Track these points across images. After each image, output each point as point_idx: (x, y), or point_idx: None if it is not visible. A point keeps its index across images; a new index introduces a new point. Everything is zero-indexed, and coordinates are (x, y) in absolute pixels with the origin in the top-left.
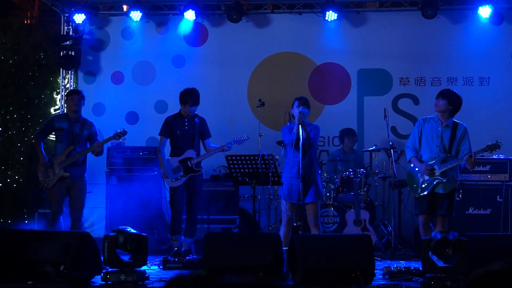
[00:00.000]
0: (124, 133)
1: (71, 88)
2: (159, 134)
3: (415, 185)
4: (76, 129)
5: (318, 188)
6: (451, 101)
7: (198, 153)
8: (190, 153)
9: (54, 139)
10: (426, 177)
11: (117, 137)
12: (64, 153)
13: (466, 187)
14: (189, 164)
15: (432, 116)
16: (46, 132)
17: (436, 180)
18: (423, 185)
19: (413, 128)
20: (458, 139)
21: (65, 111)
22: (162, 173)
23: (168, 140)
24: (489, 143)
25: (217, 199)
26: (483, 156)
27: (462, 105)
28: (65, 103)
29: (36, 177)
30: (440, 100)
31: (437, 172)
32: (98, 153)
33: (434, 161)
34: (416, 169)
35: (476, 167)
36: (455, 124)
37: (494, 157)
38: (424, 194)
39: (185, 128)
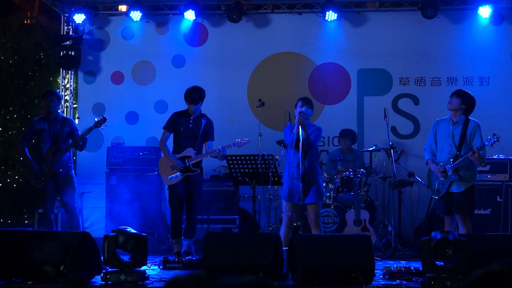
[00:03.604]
0: (104, 119)
1: (71, 88)
2: (163, 128)
3: (433, 187)
4: (57, 128)
5: (319, 188)
6: (464, 100)
7: (198, 153)
8: (189, 151)
9: (38, 141)
10: (441, 178)
11: (98, 125)
12: (50, 152)
13: None
14: (187, 163)
15: (445, 117)
16: (29, 138)
17: (450, 180)
18: (440, 186)
19: (430, 130)
20: (469, 135)
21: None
22: (170, 165)
23: (172, 136)
24: (488, 137)
25: (217, 199)
26: None
27: (475, 106)
28: (43, 104)
29: (27, 181)
30: (454, 98)
31: (449, 172)
32: (82, 147)
33: (447, 161)
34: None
35: (476, 167)
36: (467, 120)
37: (494, 157)
38: (441, 195)
39: (189, 126)
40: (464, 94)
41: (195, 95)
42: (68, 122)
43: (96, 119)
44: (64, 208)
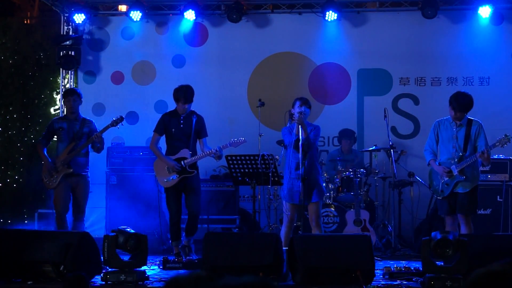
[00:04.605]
0: (121, 119)
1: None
2: (154, 131)
3: (436, 187)
4: (76, 127)
5: (320, 188)
6: (467, 109)
7: (193, 153)
8: (184, 152)
9: (56, 140)
10: (446, 178)
11: (115, 124)
12: (66, 151)
13: None
14: (183, 165)
15: (446, 117)
16: (48, 137)
17: (455, 180)
18: (444, 186)
19: (430, 131)
20: (473, 136)
21: (64, 112)
22: (166, 168)
23: (164, 138)
24: (498, 138)
25: (217, 199)
26: None
27: (476, 106)
28: (63, 103)
29: (40, 179)
30: (457, 112)
31: (455, 172)
32: (99, 148)
33: (451, 162)
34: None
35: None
36: (470, 121)
37: (494, 157)
38: (445, 196)
39: (180, 126)
40: (463, 105)
41: (188, 93)
42: (87, 123)
43: (113, 118)
44: (72, 211)
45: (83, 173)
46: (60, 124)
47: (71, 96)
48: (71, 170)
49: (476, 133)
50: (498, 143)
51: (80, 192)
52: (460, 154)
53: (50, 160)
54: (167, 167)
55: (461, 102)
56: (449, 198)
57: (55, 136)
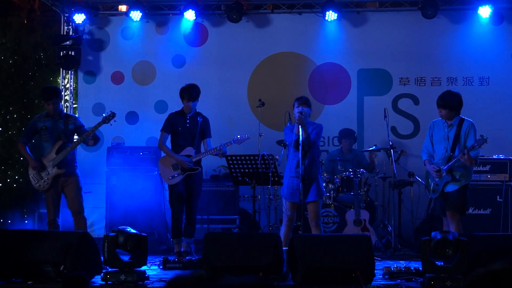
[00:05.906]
0: (112, 115)
1: (71, 88)
2: (161, 130)
3: (430, 187)
4: (60, 125)
5: (319, 187)
6: (452, 106)
7: (197, 152)
8: (189, 150)
9: (40, 139)
10: (437, 179)
11: (106, 121)
12: (54, 150)
13: None
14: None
15: (440, 118)
16: (29, 136)
17: (444, 180)
18: (435, 187)
19: (427, 132)
20: (463, 136)
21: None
22: (171, 165)
23: (169, 137)
24: (477, 138)
25: (217, 199)
26: (483, 156)
27: (463, 101)
28: (46, 107)
29: (29, 182)
30: (442, 110)
31: (443, 173)
32: (93, 142)
33: (442, 162)
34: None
35: (476, 167)
36: (461, 121)
37: (494, 157)
38: (437, 196)
39: (186, 126)
40: (448, 101)
41: (193, 91)
42: (72, 119)
43: (104, 115)
44: (70, 210)
45: (72, 169)
46: (43, 123)
47: (50, 100)
48: (63, 171)
49: (466, 133)
50: (476, 144)
51: (72, 190)
52: (450, 154)
53: (36, 160)
54: (172, 164)
55: (445, 99)
56: (440, 198)
57: (37, 135)
